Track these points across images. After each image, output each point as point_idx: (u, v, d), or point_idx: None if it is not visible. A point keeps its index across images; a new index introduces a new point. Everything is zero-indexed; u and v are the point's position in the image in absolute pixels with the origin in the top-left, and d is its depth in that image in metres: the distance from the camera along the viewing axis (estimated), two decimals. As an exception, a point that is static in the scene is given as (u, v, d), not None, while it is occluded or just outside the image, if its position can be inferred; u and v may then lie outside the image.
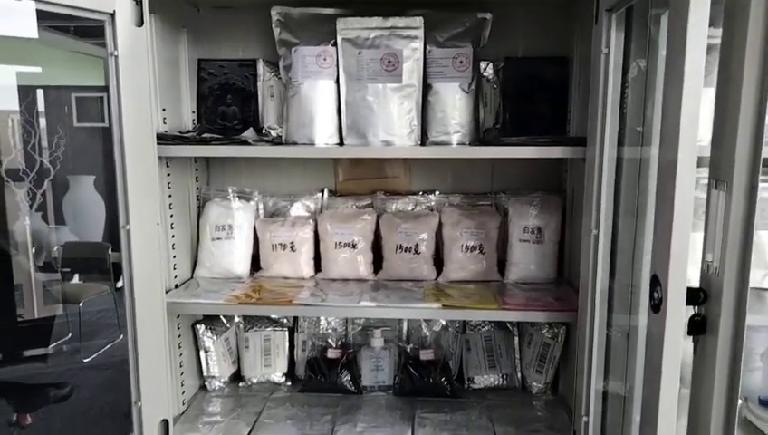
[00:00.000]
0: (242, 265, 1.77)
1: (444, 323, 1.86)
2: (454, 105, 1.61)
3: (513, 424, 1.61)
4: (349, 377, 1.81)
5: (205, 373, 1.83)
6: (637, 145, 1.25)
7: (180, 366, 1.69)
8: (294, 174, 1.90)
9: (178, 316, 1.66)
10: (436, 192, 1.86)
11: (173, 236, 1.63)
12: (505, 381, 1.84)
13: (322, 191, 1.88)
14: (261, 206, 1.86)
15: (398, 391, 1.81)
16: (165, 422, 1.47)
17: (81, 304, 3.96)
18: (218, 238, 1.76)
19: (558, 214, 1.71)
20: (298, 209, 1.86)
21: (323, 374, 1.82)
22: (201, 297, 1.55)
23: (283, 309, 1.52)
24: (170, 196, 1.61)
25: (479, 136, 1.68)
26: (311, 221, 1.79)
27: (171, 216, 1.62)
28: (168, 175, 1.60)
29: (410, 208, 1.84)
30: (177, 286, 1.66)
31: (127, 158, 1.31)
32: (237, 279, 1.75)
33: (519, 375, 1.84)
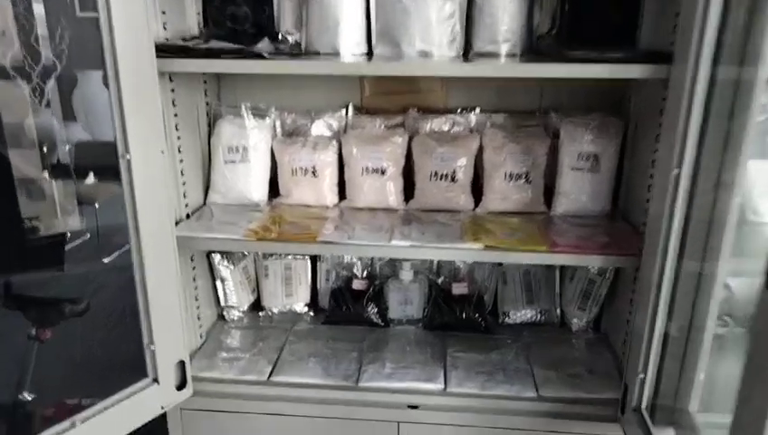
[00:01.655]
0: (259, 191, 1.60)
1: (479, 254, 1.71)
2: (505, 8, 1.36)
3: (552, 367, 1.50)
4: (375, 310, 1.70)
5: (222, 303, 1.73)
6: (737, 65, 1.02)
7: (196, 300, 1.58)
8: (315, 87, 1.67)
9: (192, 248, 1.52)
10: (477, 109, 1.63)
11: (181, 161, 1.45)
12: (543, 317, 1.72)
13: (347, 107, 1.66)
14: (278, 124, 1.65)
15: (428, 325, 1.70)
16: (181, 363, 1.38)
17: (97, 205, 3.88)
18: (232, 161, 1.57)
19: (617, 139, 1.49)
20: (319, 128, 1.66)
21: (348, 306, 1.71)
22: (215, 230, 1.40)
23: (306, 247, 1.36)
24: (176, 115, 1.41)
25: (532, 44, 1.43)
26: (334, 143, 1.59)
27: (179, 138, 1.43)
28: (173, 91, 1.39)
29: (447, 129, 1.62)
30: (188, 216, 1.50)
31: (121, 76, 1.10)
32: (254, 206, 1.59)
33: (558, 311, 1.72)
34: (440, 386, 1.43)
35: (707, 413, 1.16)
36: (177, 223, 1.43)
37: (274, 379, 1.46)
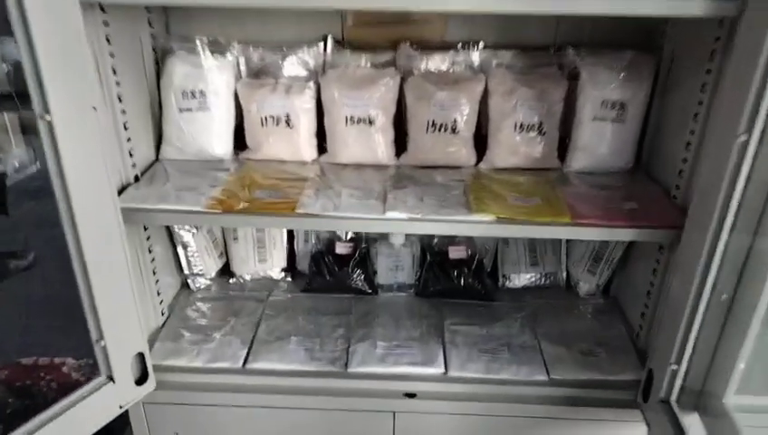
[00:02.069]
0: (222, 145, 1.34)
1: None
2: None
3: (562, 342, 1.35)
4: (362, 276, 1.51)
5: (186, 271, 1.51)
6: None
7: (154, 273, 1.35)
8: (286, 16, 1.37)
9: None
10: (480, 45, 1.37)
11: (123, 112, 1.18)
12: (547, 281, 1.55)
13: (325, 41, 1.38)
14: (242, 62, 1.36)
15: (421, 292, 1.52)
16: (140, 355, 1.17)
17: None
18: (187, 109, 1.30)
19: (648, 82, 1.26)
20: (293, 66, 1.37)
21: (331, 273, 1.51)
22: (170, 199, 1.14)
23: (284, 220, 1.13)
24: (112, 55, 1.12)
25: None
26: (311, 85, 1.32)
27: (118, 83, 1.15)
28: (106, 24, 1.09)
29: (446, 69, 1.36)
30: (137, 178, 1.24)
31: (29, 14, 0.81)
32: (218, 163, 1.33)
33: (564, 274, 1.55)
34: (440, 370, 1.27)
35: (741, 395, 1.03)
36: (122, 189, 1.18)
37: (251, 366, 1.28)
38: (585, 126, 1.29)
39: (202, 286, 1.53)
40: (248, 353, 1.31)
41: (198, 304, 1.48)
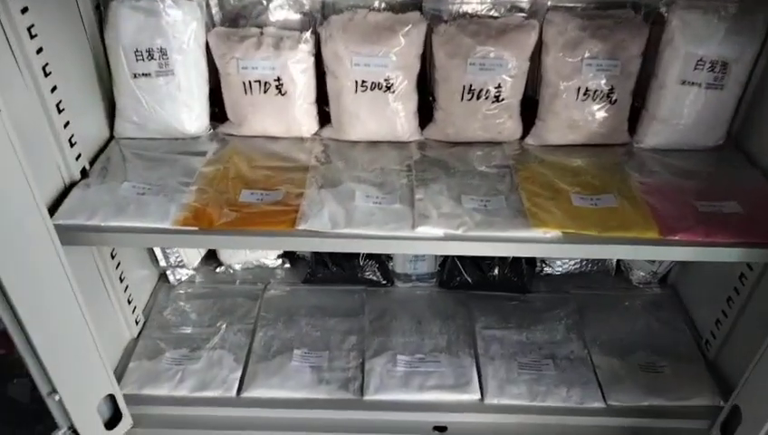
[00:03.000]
0: (194, 118, 1.04)
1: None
2: None
3: (618, 352, 1.13)
4: (376, 266, 1.26)
5: (162, 263, 1.25)
6: None
7: (121, 280, 1.09)
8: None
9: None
10: (532, -25, 1.02)
11: (53, 90, 0.86)
12: (594, 266, 1.31)
13: (324, -30, 1.03)
14: (213, 4, 1.02)
15: (445, 283, 1.28)
16: (111, 397, 0.95)
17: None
18: (144, 74, 0.98)
19: (762, 33, 0.94)
20: (283, 10, 1.03)
21: (337, 262, 1.25)
22: (128, 212, 0.85)
23: (280, 241, 0.85)
24: (26, 9, 0.79)
25: None
26: (308, 37, 0.99)
27: (40, 50, 0.82)
28: (7, -33, 0.75)
29: (486, 12, 1.02)
30: (85, 172, 0.94)
31: None
32: (191, 143, 1.04)
33: (615, 259, 1.31)
34: (475, 396, 1.06)
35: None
36: (64, 192, 0.89)
37: (247, 394, 1.05)
38: (669, 91, 0.99)
39: (184, 279, 1.28)
40: (243, 376, 1.08)
41: (180, 303, 1.23)
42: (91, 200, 0.87)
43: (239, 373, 1.08)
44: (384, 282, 1.28)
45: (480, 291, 1.26)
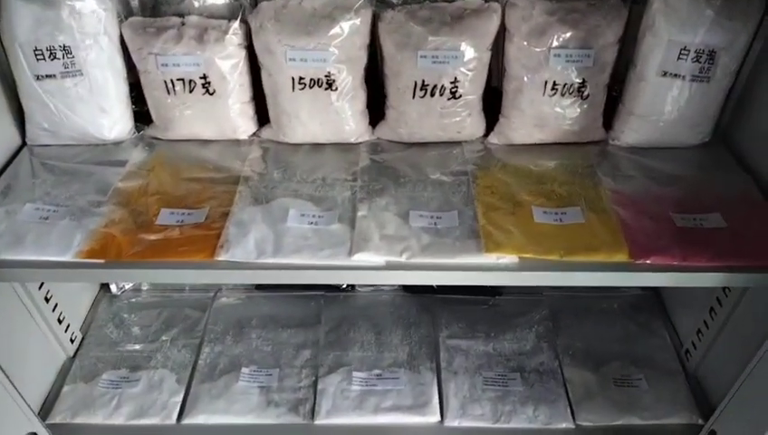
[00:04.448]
0: (114, 123, 0.92)
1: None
2: None
3: (591, 364, 1.05)
4: (332, 270, 1.16)
5: (103, 273, 1.15)
6: None
7: (47, 301, 1.00)
8: None
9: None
10: (494, -49, 0.89)
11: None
12: (571, 265, 1.21)
13: (254, -52, 0.89)
14: (127, -11, 0.88)
15: (411, 286, 1.19)
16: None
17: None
18: (48, 75, 0.85)
19: (756, 19, 0.82)
20: (207, -5, 0.90)
21: (292, 267, 1.15)
22: (28, 242, 0.74)
23: (198, 274, 0.75)
24: None
25: None
26: (236, 27, 0.86)
27: None
28: None
29: (441, -6, 0.89)
30: (-15, 192, 0.84)
31: None
32: (112, 149, 0.92)
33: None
34: (434, 418, 0.98)
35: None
36: (-41, 218, 0.79)
37: (188, 421, 0.97)
38: (648, 84, 0.87)
39: (128, 287, 1.19)
40: (185, 400, 1.00)
41: (123, 315, 1.15)
42: (-15, 227, 0.77)
43: (180, 397, 1.00)
44: (344, 286, 1.19)
45: (447, 295, 1.17)
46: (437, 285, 1.16)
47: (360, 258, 0.74)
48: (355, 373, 1.04)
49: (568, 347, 1.08)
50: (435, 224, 0.79)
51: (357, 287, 1.19)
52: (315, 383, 1.03)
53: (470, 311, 1.15)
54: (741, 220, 0.79)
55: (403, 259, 0.74)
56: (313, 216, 0.80)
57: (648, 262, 0.73)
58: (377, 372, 1.04)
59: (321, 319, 1.14)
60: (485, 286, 1.15)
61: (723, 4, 0.79)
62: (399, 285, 1.20)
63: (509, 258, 0.74)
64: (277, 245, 0.75)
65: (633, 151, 0.92)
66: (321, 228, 0.78)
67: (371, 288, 1.20)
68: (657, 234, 0.76)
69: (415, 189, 0.85)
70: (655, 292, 1.18)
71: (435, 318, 1.14)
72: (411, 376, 1.04)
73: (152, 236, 0.76)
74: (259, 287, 1.20)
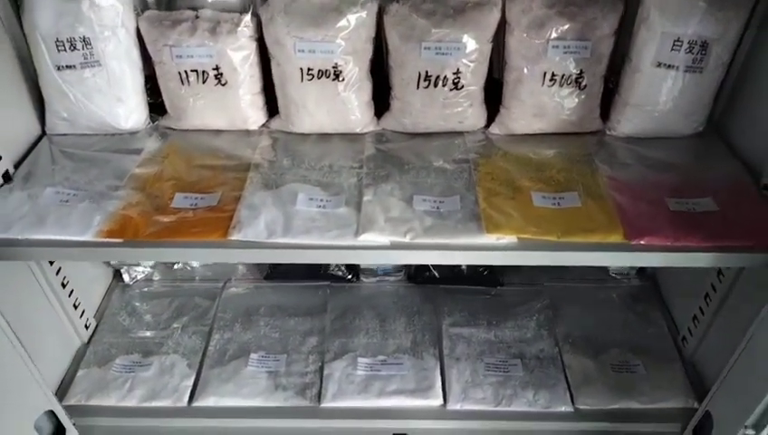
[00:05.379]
0: (130, 112, 0.96)
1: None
2: None
3: (590, 351, 1.07)
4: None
5: (114, 262, 1.19)
6: None
7: (64, 286, 1.03)
8: None
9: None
10: (494, -52, 0.92)
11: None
12: (571, 256, 1.24)
13: (265, -55, 0.93)
14: (143, -15, 0.93)
15: (413, 276, 1.22)
16: (51, 413, 0.90)
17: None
18: (69, 66, 0.89)
19: (747, 10, 0.85)
20: (220, -10, 0.94)
21: (299, 258, 1.19)
22: (49, 222, 0.78)
23: (211, 253, 0.78)
24: None
25: None
26: (248, 20, 0.90)
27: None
28: None
29: (443, -11, 0.93)
30: (7, 176, 0.87)
31: None
32: (128, 140, 0.96)
33: (592, 247, 1.24)
34: (437, 402, 1.01)
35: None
36: (-15, 199, 0.82)
37: (199, 403, 1.00)
38: (643, 75, 0.90)
39: (140, 277, 1.22)
40: (195, 384, 1.03)
41: (136, 304, 1.18)
42: (10, 211, 0.80)
43: (191, 381, 1.03)
44: (349, 277, 1.22)
45: (450, 285, 1.20)
46: (440, 276, 1.20)
47: (366, 238, 0.77)
48: (360, 359, 1.07)
49: (567, 335, 1.11)
50: (437, 208, 0.82)
51: (362, 278, 1.23)
52: (321, 368, 1.05)
53: (472, 301, 1.18)
54: (732, 205, 0.82)
55: (407, 239, 0.77)
56: (321, 199, 0.83)
57: (642, 242, 0.76)
58: (381, 357, 1.07)
59: (327, 308, 1.17)
60: (487, 277, 1.20)
61: (714, -4, 0.83)
62: (404, 276, 1.23)
63: (508, 238, 0.77)
64: (287, 226, 0.79)
65: (629, 141, 0.95)
66: (329, 211, 0.81)
67: (376, 279, 1.23)
68: (652, 216, 0.80)
69: (418, 176, 0.88)
70: (652, 281, 1.21)
71: (437, 308, 1.17)
72: (415, 362, 1.06)
73: (167, 218, 0.80)
74: (267, 277, 1.23)
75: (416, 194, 0.84)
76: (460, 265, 1.18)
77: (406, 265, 1.22)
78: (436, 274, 1.19)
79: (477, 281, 1.20)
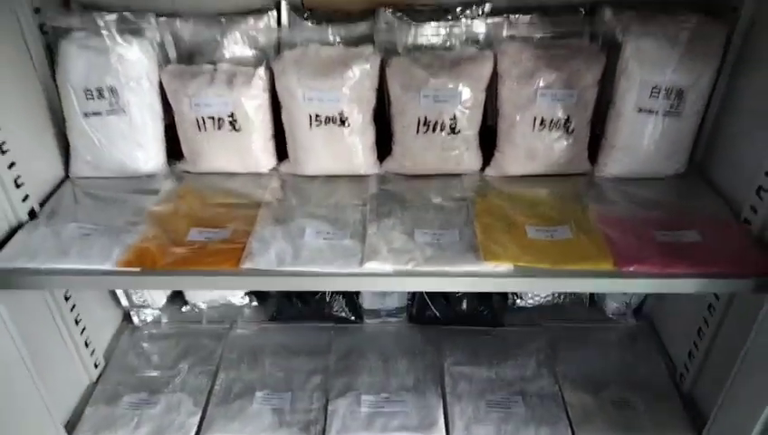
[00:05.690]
0: (149, 157, 1.02)
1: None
2: None
3: (590, 386, 1.10)
4: (343, 301, 1.23)
5: (125, 304, 1.23)
6: None
7: (77, 323, 1.07)
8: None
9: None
10: (487, 6, 1.02)
11: (-6, 132, 0.85)
12: (567, 298, 1.27)
13: (278, 8, 1.03)
14: (169, 41, 1.01)
15: (415, 318, 1.25)
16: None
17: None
18: (96, 113, 0.97)
19: (717, 60, 0.93)
20: (237, 46, 1.03)
21: (304, 299, 1.23)
22: (71, 254, 0.83)
23: (224, 280, 0.83)
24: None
25: None
26: (262, 72, 0.98)
27: (-21, 92, 0.81)
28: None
29: (441, 44, 1.02)
30: (33, 214, 0.93)
31: None
32: (146, 181, 1.02)
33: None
34: (440, 438, 1.02)
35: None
36: (9, 235, 0.87)
37: (203, 441, 1.02)
38: (626, 119, 0.97)
39: (149, 320, 1.26)
40: (201, 421, 1.05)
41: (144, 344, 1.21)
42: (34, 243, 0.86)
43: (197, 418, 1.05)
44: (353, 318, 1.25)
45: (451, 326, 1.23)
46: (442, 316, 1.23)
47: (371, 266, 0.82)
48: (364, 396, 1.08)
49: (567, 373, 1.13)
50: (437, 240, 0.87)
51: (365, 319, 1.26)
52: (326, 406, 1.07)
53: (473, 341, 1.20)
54: (715, 236, 0.87)
55: (409, 267, 0.82)
56: (328, 232, 0.88)
57: (631, 269, 0.81)
58: (384, 395, 1.09)
59: (331, 348, 1.19)
60: (488, 317, 1.23)
61: (687, 48, 0.91)
62: (406, 316, 1.26)
63: (505, 266, 0.81)
64: (295, 256, 0.83)
65: (617, 181, 1.01)
66: (335, 243, 0.86)
67: (379, 320, 1.26)
68: (640, 247, 0.84)
69: (419, 212, 0.93)
70: (649, 322, 1.23)
71: (439, 347, 1.19)
72: (417, 399, 1.08)
73: (182, 250, 0.84)
74: (272, 319, 1.26)
75: (417, 228, 0.89)
76: (461, 306, 1.22)
77: (408, 306, 1.25)
78: (438, 314, 1.22)
79: (478, 321, 1.23)
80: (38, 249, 0.84)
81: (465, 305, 1.22)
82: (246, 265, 0.82)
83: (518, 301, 1.28)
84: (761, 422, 0.77)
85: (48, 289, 0.97)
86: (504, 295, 1.27)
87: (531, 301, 1.27)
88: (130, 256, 0.83)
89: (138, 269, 0.81)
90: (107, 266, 0.81)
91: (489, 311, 1.23)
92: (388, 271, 0.81)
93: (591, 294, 1.28)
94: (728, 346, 0.95)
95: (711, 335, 0.99)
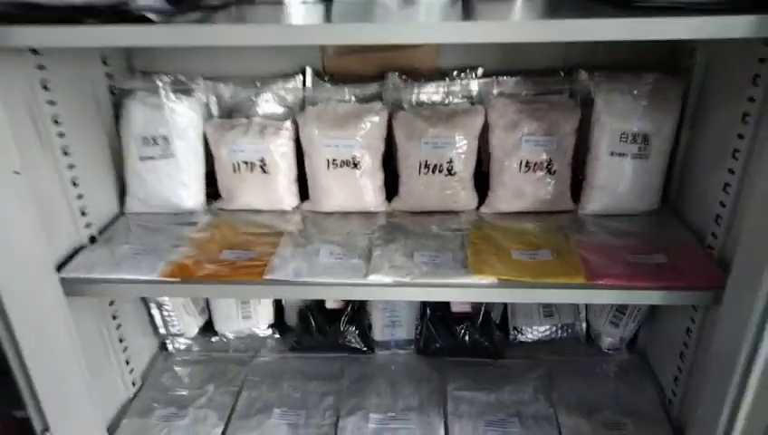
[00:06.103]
0: (191, 195, 1.20)
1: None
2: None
3: (583, 410, 1.17)
4: (356, 333, 1.35)
5: (162, 331, 1.37)
6: None
7: (121, 341, 1.21)
8: (260, 47, 1.23)
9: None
10: (479, 71, 1.21)
11: (71, 167, 1.04)
12: (565, 333, 1.37)
13: (304, 73, 1.23)
14: (212, 100, 1.22)
15: (422, 350, 1.36)
16: (98, 441, 1.03)
17: None
18: (150, 157, 1.16)
19: (676, 111, 1.08)
20: (268, 104, 1.23)
21: (320, 330, 1.35)
22: (123, 267, 1.00)
23: (249, 289, 0.98)
24: (52, 102, 0.98)
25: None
26: (288, 125, 1.17)
27: (61, 134, 1.01)
28: (42, 69, 0.95)
29: (440, 100, 1.20)
30: (93, 239, 1.10)
31: None
32: (187, 216, 1.19)
33: (584, 325, 1.37)
34: (440, 451, 1.10)
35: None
36: (73, 253, 1.04)
37: (225, 448, 1.12)
38: (601, 162, 1.12)
39: (182, 347, 1.39)
40: (224, 432, 1.15)
41: (177, 368, 1.34)
42: (94, 259, 1.02)
43: (221, 429, 1.16)
44: (365, 349, 1.36)
45: (455, 357, 1.33)
46: (447, 348, 1.33)
47: (373, 278, 0.95)
48: (371, 414, 1.18)
49: (562, 399, 1.21)
50: (434, 260, 1.00)
51: (376, 350, 1.36)
52: (336, 422, 1.17)
53: (475, 370, 1.29)
54: (681, 259, 0.98)
55: (407, 279, 0.95)
56: (339, 253, 1.02)
57: (601, 282, 0.92)
58: (391, 414, 1.18)
59: (344, 374, 1.30)
60: (488, 350, 1.32)
61: (648, 100, 1.06)
62: (414, 349, 1.36)
63: (490, 279, 0.94)
64: (310, 270, 0.98)
65: (597, 217, 1.14)
66: (345, 262, 1.00)
67: (389, 351, 1.36)
68: (611, 265, 0.96)
69: (420, 239, 1.07)
70: (642, 355, 1.31)
71: (444, 375, 1.28)
72: (421, 418, 1.17)
73: (215, 266, 1.00)
74: (292, 349, 1.38)
75: (416, 251, 1.03)
76: (465, 339, 1.32)
77: (416, 339, 1.36)
78: (443, 345, 1.32)
79: (481, 353, 1.33)
80: (96, 263, 1.00)
81: (468, 339, 1.32)
82: (268, 276, 0.96)
83: (519, 336, 1.37)
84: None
85: (104, 297, 1.12)
86: (505, 331, 1.37)
87: (530, 335, 1.37)
88: (172, 269, 0.98)
89: (177, 279, 0.97)
90: (152, 277, 0.97)
91: (491, 344, 1.33)
92: (388, 282, 0.95)
93: (587, 331, 1.37)
94: (707, 368, 1.03)
95: (690, 359, 1.08)
